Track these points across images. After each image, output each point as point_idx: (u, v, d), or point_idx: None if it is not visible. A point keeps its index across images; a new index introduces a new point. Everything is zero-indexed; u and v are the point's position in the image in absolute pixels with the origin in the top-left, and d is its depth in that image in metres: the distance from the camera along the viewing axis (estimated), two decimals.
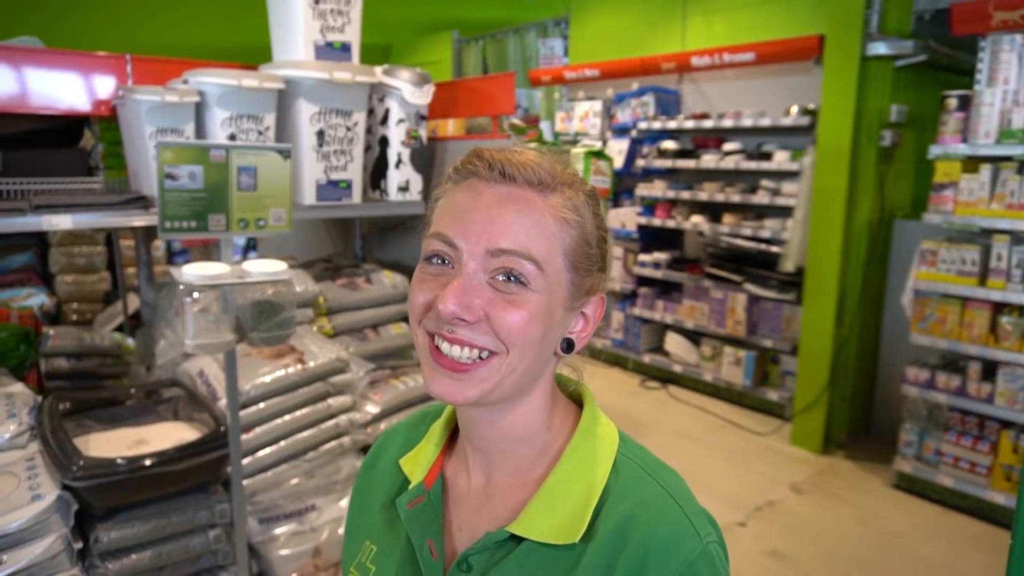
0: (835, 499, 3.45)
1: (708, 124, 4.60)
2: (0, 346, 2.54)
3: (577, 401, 0.80)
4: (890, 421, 3.90)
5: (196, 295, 1.55)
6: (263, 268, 1.63)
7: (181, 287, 1.55)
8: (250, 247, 5.30)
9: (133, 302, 4.37)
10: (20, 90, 2.44)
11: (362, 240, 3.23)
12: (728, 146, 4.57)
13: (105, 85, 2.56)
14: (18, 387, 2.04)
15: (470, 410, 0.74)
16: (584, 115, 5.53)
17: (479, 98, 2.78)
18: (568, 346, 0.73)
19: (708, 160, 4.61)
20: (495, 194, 0.68)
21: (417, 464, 0.80)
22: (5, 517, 1.53)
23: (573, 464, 0.72)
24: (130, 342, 3.58)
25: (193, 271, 1.56)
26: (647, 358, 5.09)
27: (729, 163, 4.49)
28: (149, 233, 3.04)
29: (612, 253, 0.77)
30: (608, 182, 2.80)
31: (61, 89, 2.52)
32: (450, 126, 3.57)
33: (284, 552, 2.11)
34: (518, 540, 0.70)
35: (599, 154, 2.79)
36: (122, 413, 2.12)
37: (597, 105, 5.46)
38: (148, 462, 1.67)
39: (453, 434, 0.82)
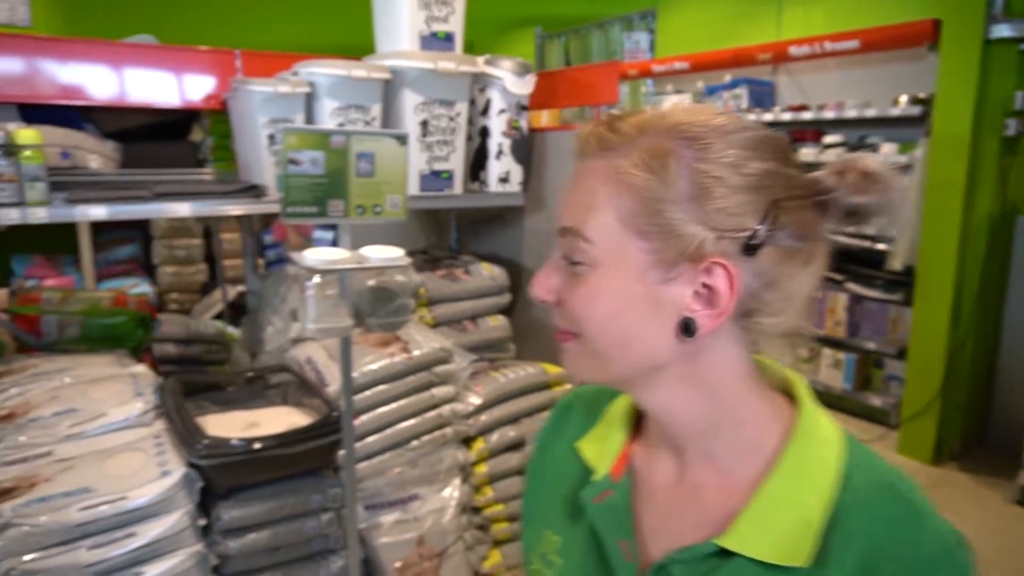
0: (951, 514, 3.20)
1: (807, 116, 4.41)
2: (119, 329, 2.65)
3: (786, 392, 0.70)
4: (1009, 432, 3.64)
5: (317, 279, 1.56)
6: (382, 254, 1.62)
7: (302, 271, 1.56)
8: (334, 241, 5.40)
9: (229, 292, 4.53)
10: (138, 85, 2.54)
11: (457, 232, 3.23)
12: (829, 139, 4.37)
13: (215, 79, 2.64)
14: (141, 368, 2.12)
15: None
16: None
17: (581, 88, 2.73)
18: (686, 328, 0.61)
19: (807, 154, 4.41)
20: (575, 170, 0.67)
21: (600, 451, 0.74)
22: (137, 491, 1.58)
23: (793, 471, 0.63)
24: (231, 330, 3.71)
25: (314, 255, 1.57)
26: None
27: (830, 156, 4.29)
28: (255, 223, 3.12)
29: (737, 197, 0.58)
30: None
31: (175, 84, 2.61)
32: (544, 118, 3.54)
33: (389, 540, 2.11)
34: (727, 553, 0.62)
35: None
36: (234, 396, 2.17)
37: (686, 99, 5.32)
38: (269, 444, 1.69)
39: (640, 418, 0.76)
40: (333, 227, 6.09)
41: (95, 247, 5.06)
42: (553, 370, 2.54)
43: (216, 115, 2.83)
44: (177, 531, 1.62)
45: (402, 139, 1.70)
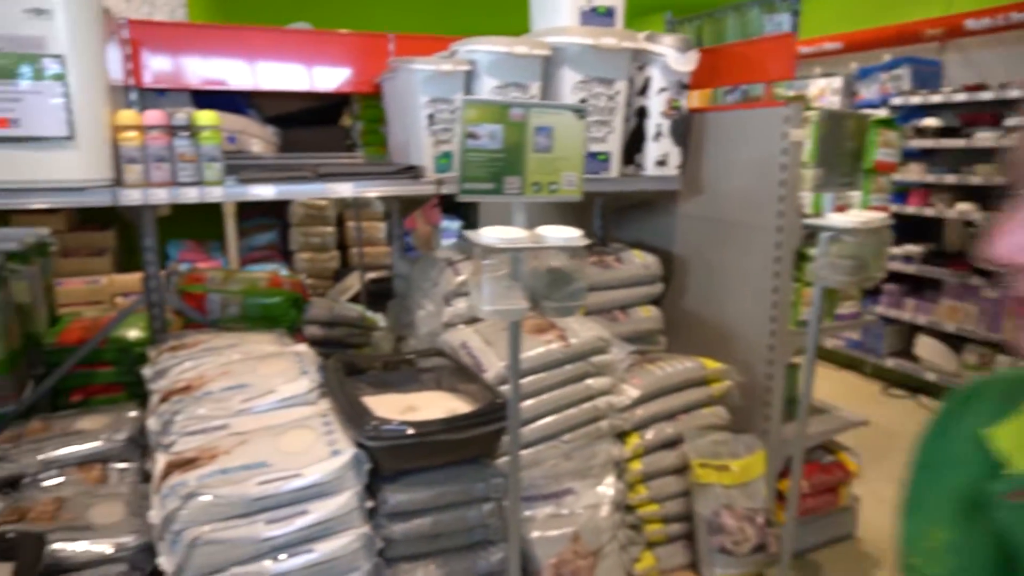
0: None
1: (986, 96, 3.97)
2: (275, 309, 2.72)
3: None
4: None
5: (493, 259, 1.49)
6: (559, 234, 1.53)
7: (478, 250, 1.50)
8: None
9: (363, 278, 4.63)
10: (296, 71, 2.58)
11: (601, 219, 3.11)
12: (1013, 121, 3.91)
13: (368, 64, 2.64)
14: (302, 347, 2.14)
15: None
16: (820, 93, 5.03)
17: (750, 64, 2.54)
18: None
19: (985, 138, 3.97)
20: None
21: (1022, 442, 0.61)
22: (310, 469, 1.57)
23: None
24: (370, 314, 3.77)
25: (491, 234, 1.49)
26: (890, 362, 4.54)
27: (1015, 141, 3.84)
28: (401, 208, 3.12)
29: None
30: (896, 155, 2.44)
31: (330, 68, 2.63)
32: (694, 98, 3.35)
33: (542, 534, 2.03)
34: None
35: (888, 123, 2.44)
36: (389, 379, 2.16)
37: (836, 81, 4.94)
38: (437, 428, 1.64)
39: None
40: (460, 215, 6.09)
41: (239, 234, 5.32)
42: (712, 365, 2.37)
43: (366, 100, 2.85)
44: (346, 511, 1.60)
45: (581, 113, 1.60)
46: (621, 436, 2.24)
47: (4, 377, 2.44)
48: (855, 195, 2.40)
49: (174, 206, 2.11)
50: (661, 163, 2.49)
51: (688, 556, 2.31)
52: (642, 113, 2.47)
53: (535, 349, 2.06)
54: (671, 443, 2.28)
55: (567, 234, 1.54)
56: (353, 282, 5.13)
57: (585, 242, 1.54)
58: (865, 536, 2.79)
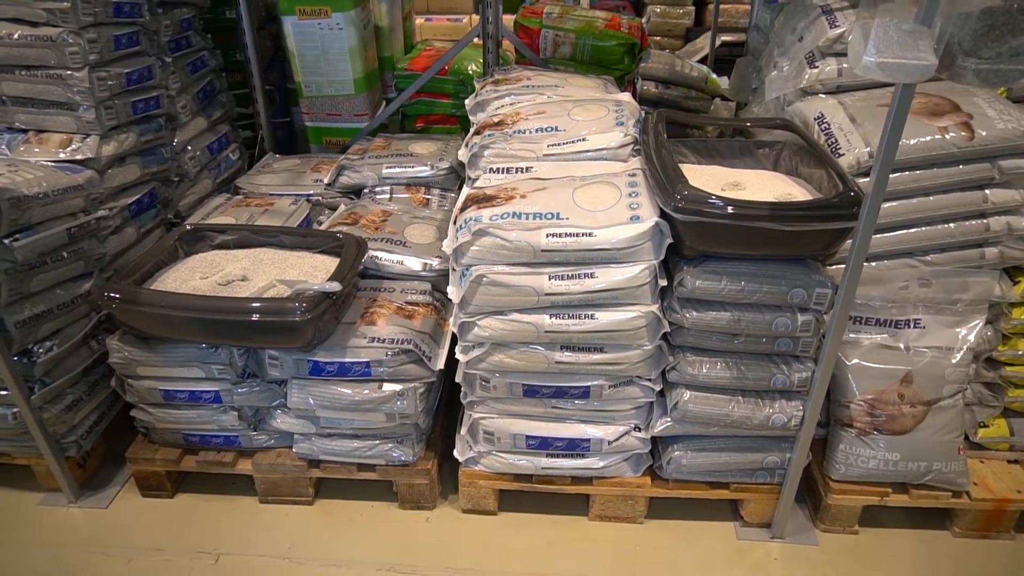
0: None
1: None
2: (608, 53, 2.47)
3: None
4: None
5: None
6: None
7: None
8: None
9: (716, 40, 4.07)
10: None
11: None
12: None
13: None
14: (625, 96, 1.89)
15: None
16: None
17: None
18: None
19: None
20: None
21: None
22: (605, 231, 1.40)
23: None
24: (715, 77, 3.32)
25: None
26: None
27: None
28: None
29: None
30: None
31: None
32: None
33: (864, 363, 1.68)
34: None
35: None
36: (716, 148, 1.83)
37: None
38: (760, 212, 1.33)
39: None
40: None
41: None
42: None
43: None
44: (636, 284, 1.43)
45: None
46: (1012, 272, 1.68)
47: (360, 96, 2.63)
48: None
49: None
50: None
51: None
52: None
53: (922, 136, 1.53)
54: None
55: None
56: (704, 44, 4.61)
57: None
58: None
